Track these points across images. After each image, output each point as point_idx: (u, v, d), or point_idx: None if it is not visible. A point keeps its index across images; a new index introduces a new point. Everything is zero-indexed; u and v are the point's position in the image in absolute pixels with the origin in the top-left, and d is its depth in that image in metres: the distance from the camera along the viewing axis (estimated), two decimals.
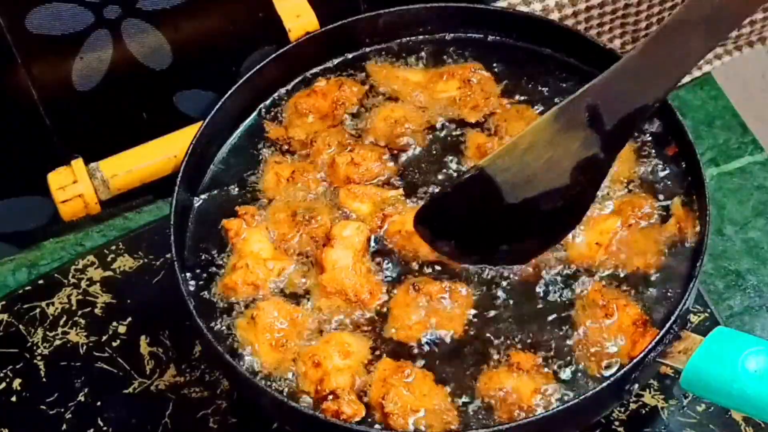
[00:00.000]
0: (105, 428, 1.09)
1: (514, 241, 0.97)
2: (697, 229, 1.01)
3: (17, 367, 1.13)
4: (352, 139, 1.11)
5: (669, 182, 1.05)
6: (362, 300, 0.99)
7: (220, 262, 1.03)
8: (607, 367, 0.95)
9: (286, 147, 1.11)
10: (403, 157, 1.09)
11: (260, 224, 1.05)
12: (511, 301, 0.99)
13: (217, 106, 1.09)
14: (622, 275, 1.00)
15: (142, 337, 1.14)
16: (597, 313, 0.97)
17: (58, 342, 1.14)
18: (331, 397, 0.94)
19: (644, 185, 1.05)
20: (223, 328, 1.00)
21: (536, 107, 1.11)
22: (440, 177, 1.07)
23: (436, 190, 1.01)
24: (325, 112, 1.13)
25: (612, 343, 0.96)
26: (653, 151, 1.07)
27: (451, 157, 1.09)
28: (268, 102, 1.15)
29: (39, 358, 1.14)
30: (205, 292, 1.02)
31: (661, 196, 1.04)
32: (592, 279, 0.99)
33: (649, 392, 1.06)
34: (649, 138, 1.08)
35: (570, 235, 1.00)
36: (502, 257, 0.98)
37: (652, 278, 0.99)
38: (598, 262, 1.00)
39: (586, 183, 0.94)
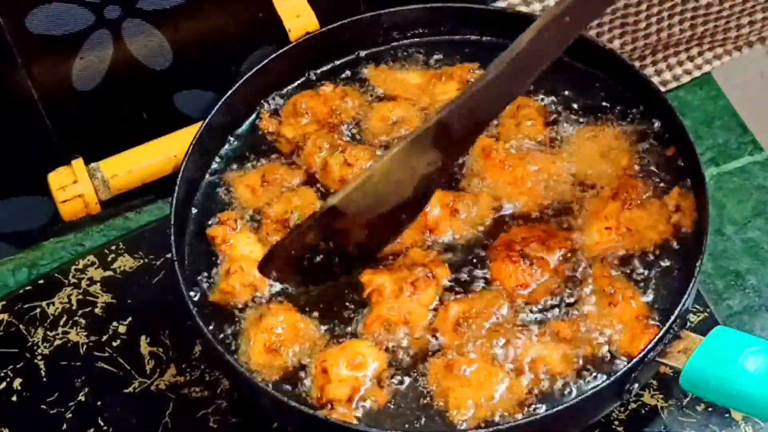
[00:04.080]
0: (105, 428, 1.09)
1: (362, 249, 1.01)
2: (696, 214, 1.02)
3: (17, 366, 1.13)
4: (342, 140, 1.11)
5: (668, 179, 1.05)
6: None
7: (218, 265, 1.04)
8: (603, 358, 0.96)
9: (270, 146, 1.12)
10: None
11: (244, 227, 1.05)
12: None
13: (217, 106, 1.10)
14: (633, 262, 1.01)
15: (143, 337, 1.14)
16: (602, 299, 0.97)
17: (58, 342, 1.15)
18: (328, 406, 0.94)
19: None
20: (224, 327, 1.00)
21: (535, 102, 1.12)
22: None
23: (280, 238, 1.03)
24: (322, 117, 1.13)
25: (612, 332, 0.96)
26: (652, 151, 1.07)
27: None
28: (268, 102, 1.15)
29: (39, 357, 1.14)
30: (207, 293, 1.02)
31: (656, 189, 1.05)
32: (602, 265, 1.00)
33: (649, 392, 1.06)
34: (649, 138, 1.08)
35: (579, 229, 1.02)
36: (351, 267, 1.01)
37: (651, 275, 1.00)
38: (613, 246, 1.01)
39: (429, 187, 0.99)
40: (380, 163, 0.97)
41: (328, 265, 1.00)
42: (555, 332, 0.96)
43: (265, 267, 1.00)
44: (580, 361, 0.95)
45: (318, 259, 0.99)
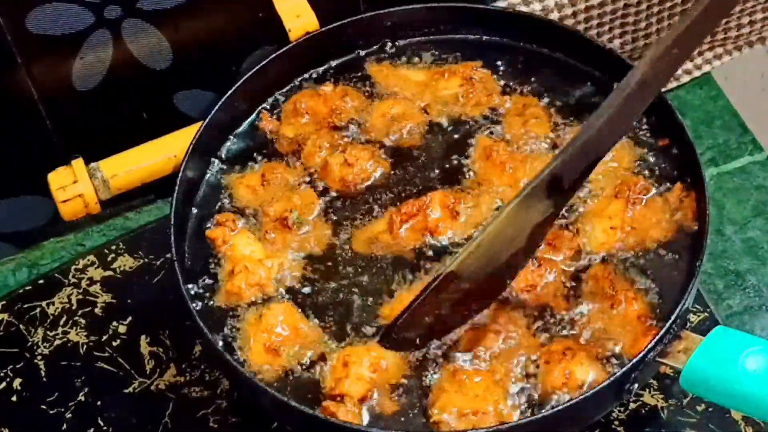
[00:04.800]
0: (105, 428, 1.09)
1: (477, 303, 0.99)
2: (697, 213, 1.02)
3: (17, 366, 1.13)
4: (342, 140, 1.11)
5: (669, 178, 1.05)
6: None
7: (220, 266, 1.04)
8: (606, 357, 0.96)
9: (270, 146, 1.12)
10: (402, 156, 1.10)
11: (243, 228, 1.05)
12: None
13: (217, 106, 1.10)
14: (637, 262, 1.01)
15: (143, 337, 1.14)
16: (604, 301, 0.98)
17: (58, 342, 1.15)
18: (338, 398, 0.94)
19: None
20: (224, 327, 1.00)
21: (540, 102, 1.12)
22: (441, 176, 1.08)
23: (407, 308, 0.99)
24: (322, 116, 1.13)
25: (613, 333, 0.96)
26: (652, 151, 1.08)
27: (453, 156, 1.09)
28: (268, 102, 1.15)
29: (39, 357, 1.14)
30: (207, 293, 1.02)
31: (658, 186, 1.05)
32: (605, 265, 1.00)
33: (649, 392, 1.06)
34: (648, 137, 1.08)
35: (584, 230, 1.02)
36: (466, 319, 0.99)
37: (654, 275, 1.00)
38: (618, 246, 1.01)
39: (537, 238, 0.97)
40: (494, 224, 0.94)
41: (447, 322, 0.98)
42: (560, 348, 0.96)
43: (387, 341, 0.97)
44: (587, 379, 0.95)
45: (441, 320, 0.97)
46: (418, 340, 0.97)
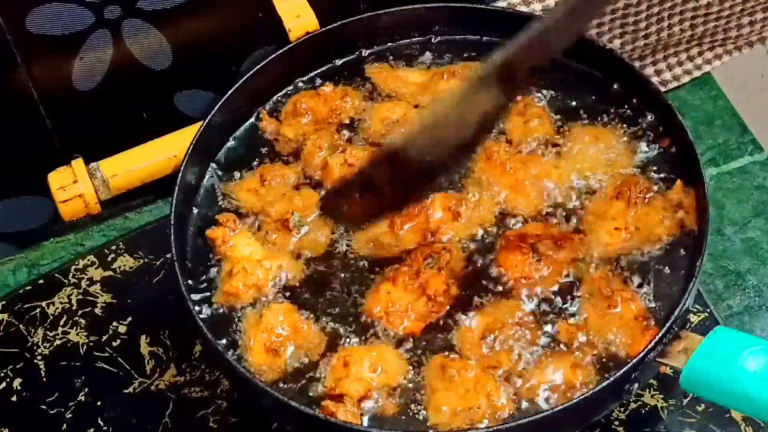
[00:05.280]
0: (105, 428, 1.09)
1: (419, 185, 0.98)
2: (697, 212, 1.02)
3: (17, 367, 1.13)
4: (342, 140, 1.11)
5: (669, 178, 1.05)
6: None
7: (219, 266, 1.04)
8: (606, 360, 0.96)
9: (270, 146, 1.12)
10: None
11: (244, 228, 1.05)
12: None
13: (217, 106, 1.10)
14: (637, 262, 1.01)
15: (142, 337, 1.14)
16: (602, 301, 0.98)
17: (58, 342, 1.15)
18: (337, 398, 0.94)
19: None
20: (226, 327, 1.00)
21: (540, 104, 1.12)
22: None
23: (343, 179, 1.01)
24: (322, 117, 1.13)
25: (612, 334, 0.96)
26: (653, 151, 1.08)
27: None
28: (268, 102, 1.15)
29: (39, 358, 1.14)
30: (207, 292, 1.02)
31: (659, 186, 1.05)
32: (604, 265, 1.00)
33: (649, 392, 1.06)
34: (648, 137, 1.08)
35: (588, 231, 1.02)
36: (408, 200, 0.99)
37: (654, 275, 1.00)
38: (623, 247, 1.01)
39: (485, 127, 0.96)
40: (443, 104, 0.93)
41: (380, 202, 0.97)
42: (559, 341, 0.96)
43: (325, 206, 0.99)
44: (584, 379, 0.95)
45: (370, 196, 0.96)
46: (360, 214, 0.97)
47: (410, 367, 0.97)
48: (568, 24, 0.92)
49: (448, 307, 0.99)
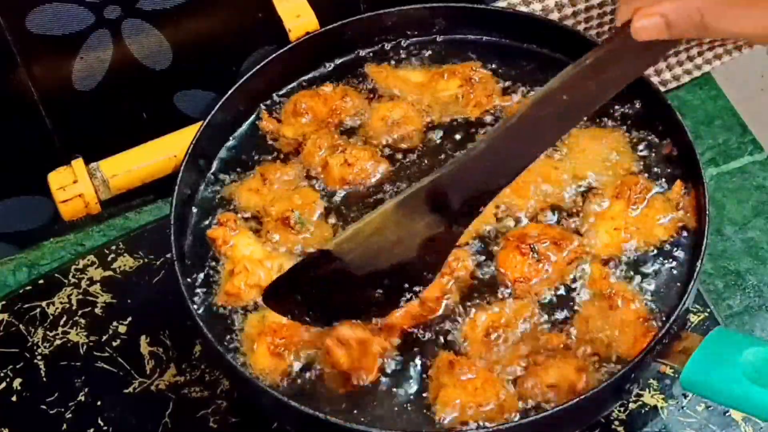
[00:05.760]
0: (105, 428, 1.09)
1: (365, 302, 0.97)
2: (696, 212, 1.02)
3: (17, 367, 1.13)
4: (342, 140, 1.11)
5: (669, 178, 1.05)
6: None
7: (220, 266, 1.04)
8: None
9: (270, 146, 1.12)
10: (402, 158, 1.10)
11: (244, 228, 1.05)
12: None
13: (217, 106, 1.10)
14: (637, 262, 1.01)
15: (142, 337, 1.14)
16: (603, 301, 0.98)
17: (58, 342, 1.15)
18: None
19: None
20: (224, 328, 1.00)
21: None
22: None
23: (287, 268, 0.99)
24: (322, 117, 1.13)
25: (612, 334, 0.96)
26: (653, 151, 1.08)
27: (454, 155, 1.09)
28: (268, 102, 1.15)
29: (39, 357, 1.14)
30: (207, 292, 1.02)
31: (658, 186, 1.05)
32: (607, 267, 1.00)
33: (649, 392, 1.06)
34: (648, 138, 1.08)
35: (588, 234, 1.02)
36: (347, 314, 0.98)
37: (654, 275, 1.00)
38: (622, 247, 1.01)
39: (435, 253, 0.95)
40: (369, 218, 0.93)
41: (326, 306, 0.97)
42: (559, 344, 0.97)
43: (267, 297, 0.96)
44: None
45: (317, 297, 0.97)
46: (298, 311, 0.96)
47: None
48: (501, 156, 0.89)
49: (440, 312, 0.99)
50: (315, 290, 0.96)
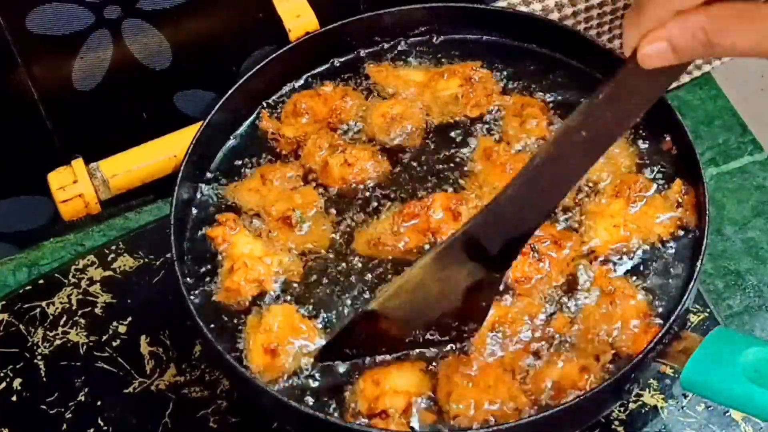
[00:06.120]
0: (105, 428, 1.09)
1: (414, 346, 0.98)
2: (696, 211, 1.02)
3: (17, 367, 1.13)
4: (342, 140, 1.11)
5: (669, 178, 1.05)
6: None
7: (220, 265, 1.04)
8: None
9: (270, 146, 1.12)
10: (402, 157, 1.10)
11: (243, 227, 1.05)
12: None
13: (217, 106, 1.10)
14: (637, 262, 1.01)
15: (142, 337, 1.14)
16: (603, 300, 0.98)
17: (58, 342, 1.15)
18: (382, 416, 0.93)
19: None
20: (224, 327, 1.00)
21: (539, 104, 1.12)
22: (441, 177, 1.08)
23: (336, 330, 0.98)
24: (322, 117, 1.13)
25: (614, 332, 0.96)
26: (652, 151, 1.08)
27: (454, 157, 1.09)
28: (268, 102, 1.15)
29: (39, 357, 1.14)
30: (207, 292, 1.02)
31: (658, 185, 1.05)
32: (607, 265, 1.00)
33: (649, 392, 1.06)
34: (648, 137, 1.08)
35: (588, 231, 1.02)
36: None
37: (654, 274, 1.00)
38: (621, 245, 1.01)
39: (479, 299, 0.95)
40: (410, 272, 0.93)
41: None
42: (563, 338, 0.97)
43: (323, 360, 0.97)
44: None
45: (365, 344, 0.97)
46: (352, 352, 0.97)
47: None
48: (531, 200, 0.88)
49: None
50: (362, 352, 0.97)
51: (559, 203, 0.91)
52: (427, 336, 0.97)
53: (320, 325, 0.99)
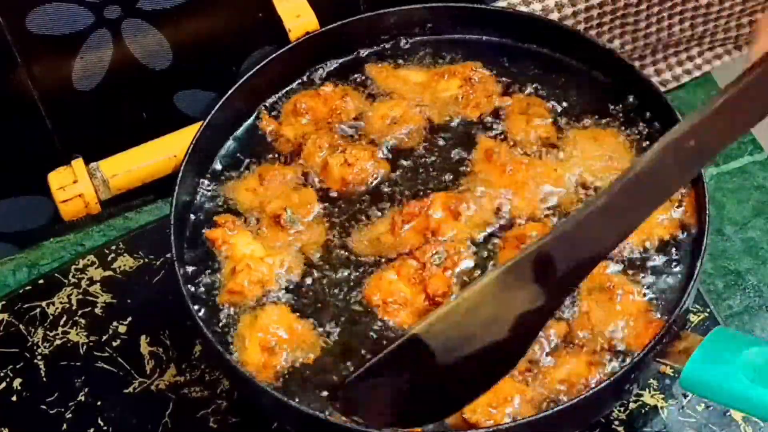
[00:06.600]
0: (105, 428, 1.09)
1: (443, 396, 0.90)
2: (696, 212, 1.02)
3: (17, 367, 1.13)
4: (342, 140, 1.11)
5: None
6: None
7: (220, 266, 1.04)
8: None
9: (270, 146, 1.12)
10: (402, 158, 1.10)
11: (243, 228, 1.05)
12: None
13: (217, 106, 1.10)
14: (637, 262, 1.00)
15: (142, 337, 1.14)
16: (603, 298, 0.98)
17: (58, 342, 1.15)
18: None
19: None
20: (224, 327, 1.00)
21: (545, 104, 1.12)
22: (441, 177, 1.08)
23: (365, 365, 0.92)
24: (321, 117, 1.13)
25: (614, 334, 0.96)
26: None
27: (454, 158, 1.09)
28: (268, 102, 1.15)
29: (39, 357, 1.14)
30: (207, 292, 1.02)
31: None
32: (608, 265, 1.00)
33: (649, 392, 1.06)
34: (648, 138, 1.08)
35: None
36: (431, 414, 0.90)
37: (654, 274, 1.00)
38: (624, 246, 1.00)
39: (525, 332, 0.88)
40: (468, 292, 0.87)
41: (423, 404, 0.90)
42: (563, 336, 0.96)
43: (346, 408, 0.90)
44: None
45: (409, 396, 0.90)
46: (376, 413, 0.90)
47: None
48: (614, 217, 0.83)
49: None
50: (395, 387, 0.90)
51: (640, 225, 0.84)
52: (461, 382, 0.89)
53: (320, 326, 0.99)
